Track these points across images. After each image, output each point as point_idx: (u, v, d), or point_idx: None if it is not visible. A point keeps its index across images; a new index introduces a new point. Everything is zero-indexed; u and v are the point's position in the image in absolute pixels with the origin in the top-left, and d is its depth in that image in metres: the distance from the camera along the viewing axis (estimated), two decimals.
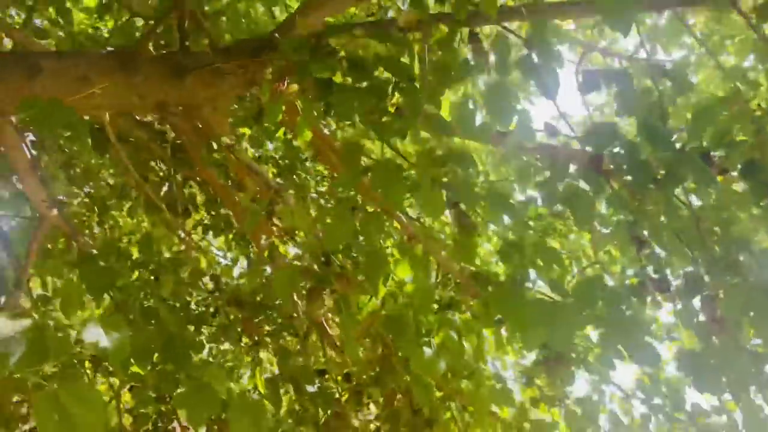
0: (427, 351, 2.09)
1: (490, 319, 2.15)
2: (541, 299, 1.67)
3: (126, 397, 4.89)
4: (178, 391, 1.91)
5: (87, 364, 4.54)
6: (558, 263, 1.94)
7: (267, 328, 3.74)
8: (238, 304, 3.60)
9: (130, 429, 4.68)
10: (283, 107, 2.18)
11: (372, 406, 4.63)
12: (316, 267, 2.32)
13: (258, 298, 3.62)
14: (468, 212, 2.00)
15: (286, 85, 2.14)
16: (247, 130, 3.64)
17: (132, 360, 1.85)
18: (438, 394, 3.77)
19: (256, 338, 4.02)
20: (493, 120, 2.37)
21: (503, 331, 3.96)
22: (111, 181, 4.72)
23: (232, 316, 3.75)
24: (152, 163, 4.08)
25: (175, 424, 4.77)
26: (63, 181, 4.82)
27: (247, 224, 2.29)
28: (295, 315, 3.38)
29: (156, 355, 2.01)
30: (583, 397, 3.43)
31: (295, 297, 2.62)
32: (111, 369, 4.57)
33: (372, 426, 4.38)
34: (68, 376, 1.42)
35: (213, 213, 4.43)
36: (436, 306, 2.44)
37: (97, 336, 1.50)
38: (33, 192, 2.47)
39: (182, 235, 4.73)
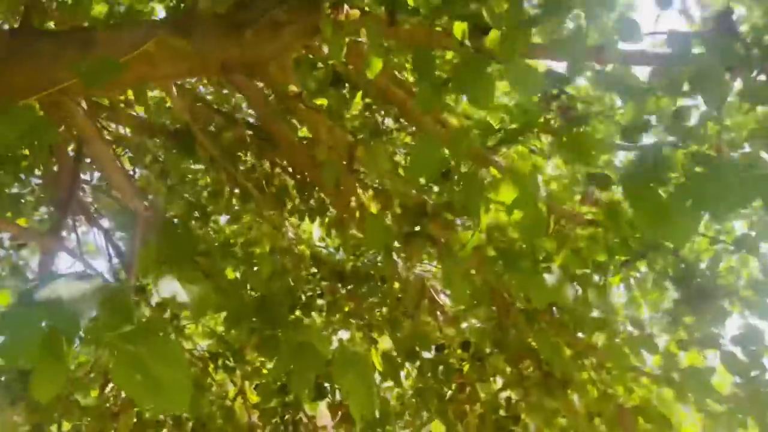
0: (549, 278, 1.80)
1: (620, 225, 1.83)
2: (689, 174, 1.32)
3: (254, 398, 4.94)
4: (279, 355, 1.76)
5: (209, 362, 4.62)
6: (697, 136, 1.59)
7: (374, 300, 3.57)
8: (341, 278, 3.46)
9: (260, 424, 4.70)
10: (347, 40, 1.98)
11: (498, 379, 4.36)
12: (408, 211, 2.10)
13: (359, 268, 3.47)
14: (573, 103, 1.70)
15: (346, 13, 1.95)
16: (324, 101, 3.48)
17: (227, 325, 1.72)
18: (568, 352, 3.44)
19: (366, 317, 3.88)
20: (589, 22, 2.04)
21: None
22: (203, 182, 4.76)
23: (337, 295, 3.62)
24: (239, 153, 4.05)
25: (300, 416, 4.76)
26: (163, 191, 4.93)
27: (326, 177, 2.11)
28: (398, 277, 3.18)
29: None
30: (741, 334, 2.96)
31: (396, 256, 2.42)
32: (232, 364, 4.62)
33: (501, 398, 4.10)
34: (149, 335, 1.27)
35: (305, 197, 4.34)
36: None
37: (173, 290, 1.36)
38: (120, 185, 2.44)
39: (284, 227, 4.70)
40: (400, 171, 3.03)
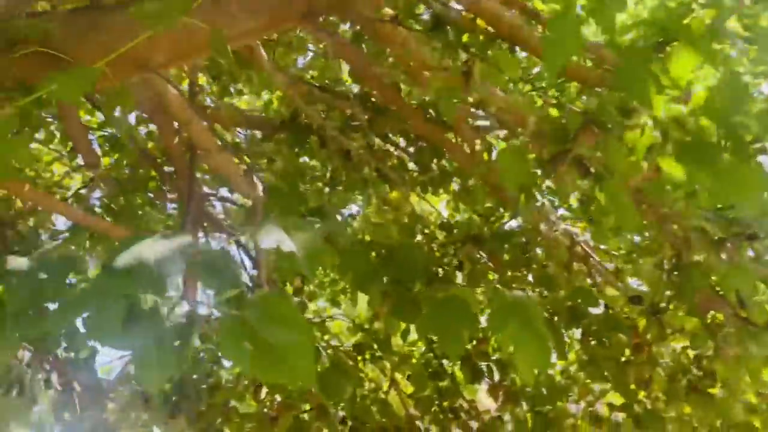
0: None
1: None
2: None
3: (408, 389, 4.72)
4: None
5: (357, 356, 4.46)
6: None
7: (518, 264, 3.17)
8: (476, 241, 3.10)
9: (418, 415, 4.47)
10: None
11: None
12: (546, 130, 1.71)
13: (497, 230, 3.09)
14: None
15: None
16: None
17: (355, 286, 1.44)
18: None
19: (514, 285, 3.48)
20: None
21: None
22: (321, 174, 4.60)
23: (477, 265, 3.26)
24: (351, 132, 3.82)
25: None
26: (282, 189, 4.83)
27: (445, 109, 1.78)
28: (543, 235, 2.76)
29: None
30: None
31: (539, 197, 2.03)
32: (379, 354, 4.43)
33: (689, 355, 3.52)
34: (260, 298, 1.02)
35: (425, 166, 4.04)
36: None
37: (276, 240, 1.10)
38: (226, 166, 2.28)
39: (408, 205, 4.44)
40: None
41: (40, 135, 5.26)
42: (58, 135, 5.17)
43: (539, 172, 1.96)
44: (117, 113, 1.66)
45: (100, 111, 4.72)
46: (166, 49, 1.80)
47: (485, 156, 2.08)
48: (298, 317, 1.03)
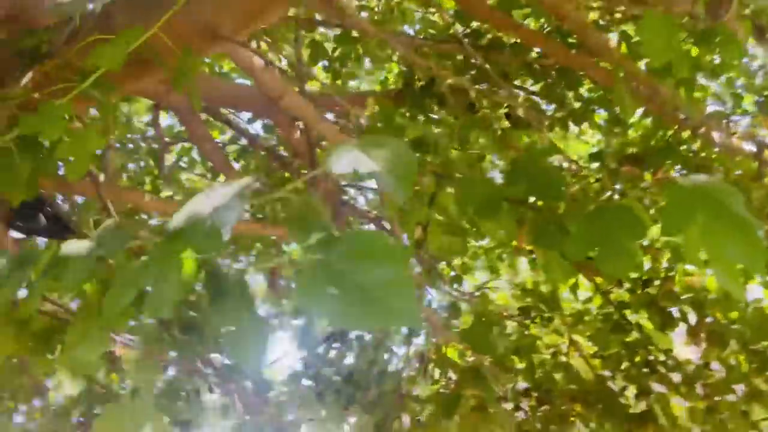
0: None
1: None
2: None
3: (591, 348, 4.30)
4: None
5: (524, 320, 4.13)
6: None
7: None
8: (635, 160, 2.64)
9: (608, 376, 4.02)
10: None
11: None
12: None
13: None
14: None
15: None
16: None
17: (480, 216, 1.16)
18: None
19: None
20: None
21: None
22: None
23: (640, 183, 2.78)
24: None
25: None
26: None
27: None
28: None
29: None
30: None
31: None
32: (548, 314, 4.06)
33: None
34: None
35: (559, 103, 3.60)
36: None
37: (352, 161, 0.86)
38: (330, 136, 2.11)
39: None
40: None
41: (183, 162, 5.60)
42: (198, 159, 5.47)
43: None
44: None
45: (230, 127, 4.86)
46: (233, 12, 1.65)
47: (623, 48, 1.68)
48: (391, 251, 0.79)
